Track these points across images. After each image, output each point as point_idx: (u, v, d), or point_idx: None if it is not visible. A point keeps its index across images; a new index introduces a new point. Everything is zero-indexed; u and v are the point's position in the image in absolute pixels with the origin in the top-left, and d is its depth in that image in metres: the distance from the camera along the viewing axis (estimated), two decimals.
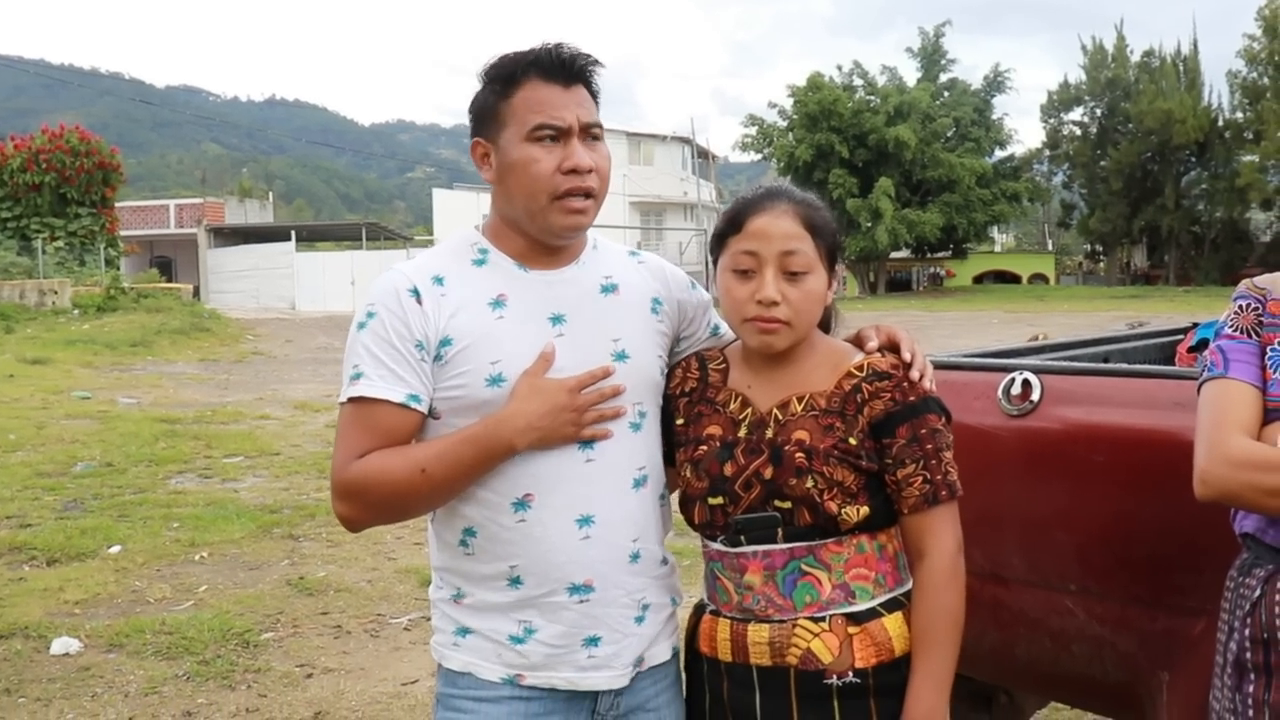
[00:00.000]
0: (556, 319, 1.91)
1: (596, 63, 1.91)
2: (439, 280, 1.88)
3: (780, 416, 1.91)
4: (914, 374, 1.90)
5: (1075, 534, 2.53)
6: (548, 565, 1.87)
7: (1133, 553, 2.43)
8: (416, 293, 1.86)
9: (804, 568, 1.87)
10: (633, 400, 1.94)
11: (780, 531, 1.86)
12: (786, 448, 1.87)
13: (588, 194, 1.89)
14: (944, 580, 1.88)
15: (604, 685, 1.92)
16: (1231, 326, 2.01)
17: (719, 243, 1.95)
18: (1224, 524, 2.09)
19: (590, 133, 1.89)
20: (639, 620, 1.95)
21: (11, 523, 7.56)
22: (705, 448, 1.94)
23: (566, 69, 1.88)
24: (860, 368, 1.91)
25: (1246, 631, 1.95)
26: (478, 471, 1.83)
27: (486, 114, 1.91)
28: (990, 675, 2.98)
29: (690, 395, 2.02)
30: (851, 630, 1.85)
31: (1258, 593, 1.94)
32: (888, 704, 1.86)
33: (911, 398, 1.88)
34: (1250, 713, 1.95)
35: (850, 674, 1.84)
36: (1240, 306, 2.02)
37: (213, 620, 5.44)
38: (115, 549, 6.83)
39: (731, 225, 1.92)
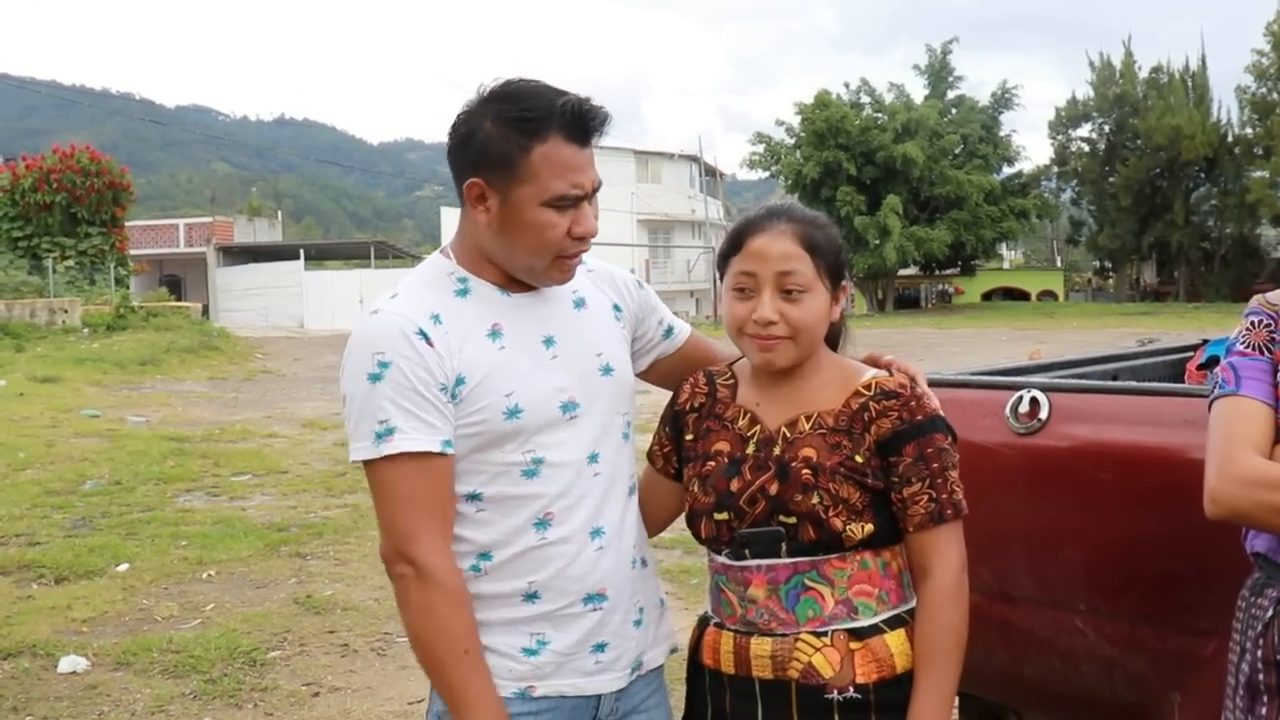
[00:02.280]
0: (548, 341, 1.93)
1: (609, 119, 1.89)
2: (437, 319, 1.85)
3: (788, 434, 1.91)
4: (919, 390, 1.91)
5: (1084, 553, 2.52)
6: (566, 579, 1.89)
7: (1142, 572, 2.42)
8: (425, 335, 1.82)
9: (807, 582, 1.87)
10: (621, 411, 2.00)
11: (784, 546, 1.87)
12: (794, 464, 1.88)
13: (582, 253, 1.93)
14: (948, 598, 1.88)
15: (607, 688, 1.95)
16: (1243, 343, 1.99)
17: (723, 262, 1.97)
18: (1235, 543, 2.07)
19: (594, 191, 1.90)
20: (637, 624, 1.99)
21: (20, 540, 7.57)
22: (713, 464, 1.95)
23: (588, 129, 1.86)
24: (868, 386, 1.92)
25: (1259, 653, 1.93)
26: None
27: (499, 161, 1.82)
28: (999, 695, 2.97)
29: (699, 411, 2.03)
30: (854, 646, 1.86)
31: (1270, 613, 1.92)
32: (888, 719, 1.86)
33: (919, 416, 1.89)
34: None
35: (851, 689, 1.85)
36: (1252, 323, 2.01)
37: (220, 639, 5.43)
38: (123, 567, 6.84)
39: (733, 245, 1.94)
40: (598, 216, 1.92)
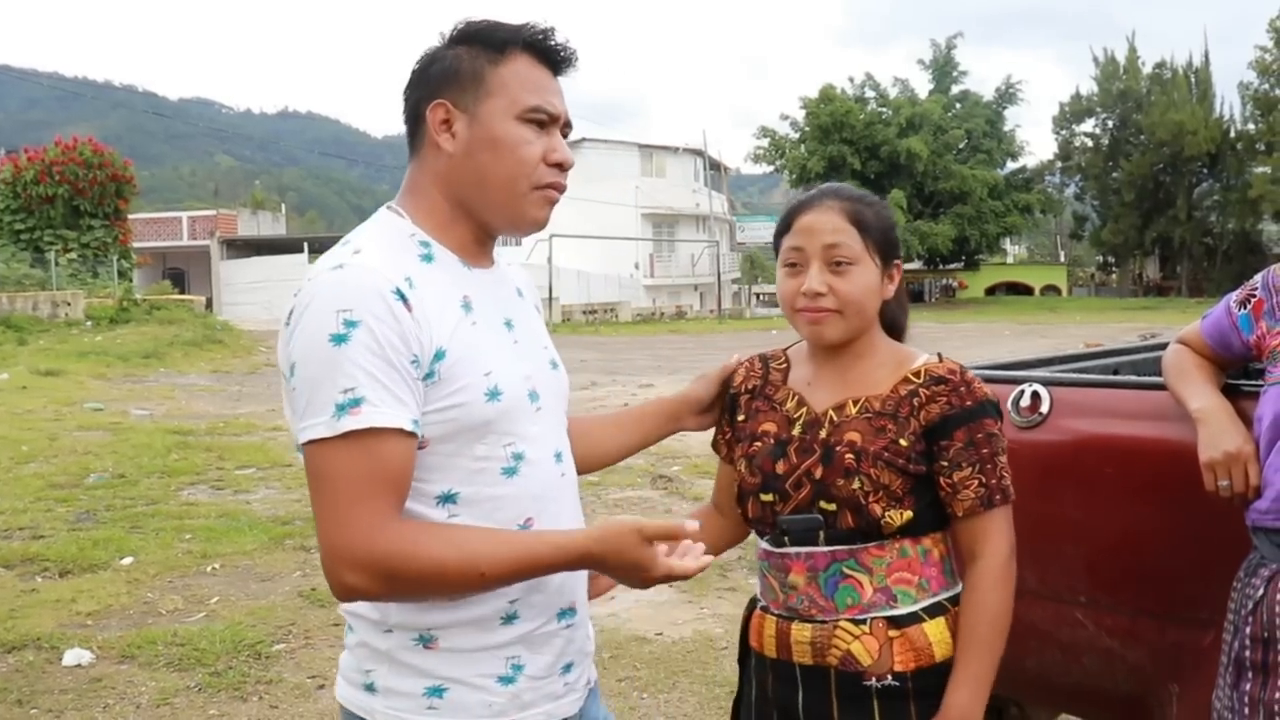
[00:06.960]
0: (509, 324, 1.75)
1: (576, 54, 1.76)
2: (410, 282, 1.57)
3: (835, 418, 1.93)
4: (969, 376, 1.93)
5: (1085, 546, 2.53)
6: (545, 594, 1.70)
7: (1142, 565, 2.43)
8: (402, 296, 1.54)
9: (845, 570, 1.89)
10: (565, 410, 1.86)
11: (822, 534, 1.89)
12: (838, 448, 1.89)
13: (561, 190, 1.74)
14: (993, 582, 1.88)
15: (570, 710, 1.78)
16: (1236, 298, 2.33)
17: (776, 243, 2.02)
18: (1234, 536, 2.09)
19: (565, 131, 1.75)
20: (588, 637, 1.85)
21: (24, 534, 7.58)
22: (759, 444, 1.98)
23: (558, 57, 1.73)
24: (918, 373, 1.93)
25: (1248, 630, 1.97)
26: (540, 575, 1.63)
27: (465, 77, 1.67)
28: (1000, 688, 2.95)
29: (752, 392, 2.06)
30: (892, 634, 1.87)
31: (1261, 592, 1.96)
32: (927, 706, 1.87)
33: (969, 402, 1.89)
34: (1246, 710, 1.96)
35: (889, 677, 1.87)
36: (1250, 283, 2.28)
37: (224, 632, 5.45)
38: (127, 560, 6.85)
39: (784, 225, 1.99)
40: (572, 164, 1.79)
